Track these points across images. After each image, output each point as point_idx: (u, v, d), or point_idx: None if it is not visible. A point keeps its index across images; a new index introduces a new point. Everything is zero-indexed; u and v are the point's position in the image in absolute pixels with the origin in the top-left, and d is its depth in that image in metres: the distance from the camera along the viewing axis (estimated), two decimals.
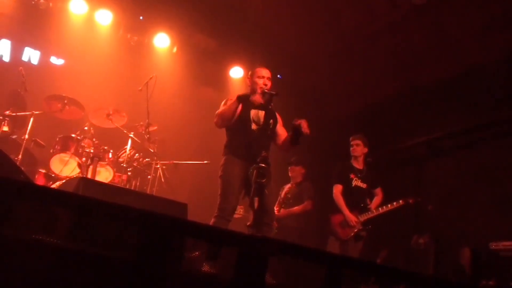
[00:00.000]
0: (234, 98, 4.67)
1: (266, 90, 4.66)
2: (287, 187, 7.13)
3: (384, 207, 6.10)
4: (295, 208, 6.85)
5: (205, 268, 3.89)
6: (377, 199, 6.33)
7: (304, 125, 4.43)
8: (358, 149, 6.35)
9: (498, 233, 6.06)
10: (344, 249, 6.08)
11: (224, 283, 2.39)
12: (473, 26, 6.84)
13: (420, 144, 8.01)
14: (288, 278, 3.49)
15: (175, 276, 2.24)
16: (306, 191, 6.98)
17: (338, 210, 6.18)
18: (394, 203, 6.08)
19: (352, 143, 6.40)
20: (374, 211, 6.10)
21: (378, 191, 6.40)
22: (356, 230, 6.03)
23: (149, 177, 7.15)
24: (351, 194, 6.20)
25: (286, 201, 6.90)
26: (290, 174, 7.15)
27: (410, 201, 6.07)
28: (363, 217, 6.06)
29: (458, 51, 7.18)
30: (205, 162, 7.57)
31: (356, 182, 6.27)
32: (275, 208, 6.90)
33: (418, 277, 2.95)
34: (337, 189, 6.26)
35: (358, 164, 6.36)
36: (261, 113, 4.69)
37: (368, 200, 6.28)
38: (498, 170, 6.73)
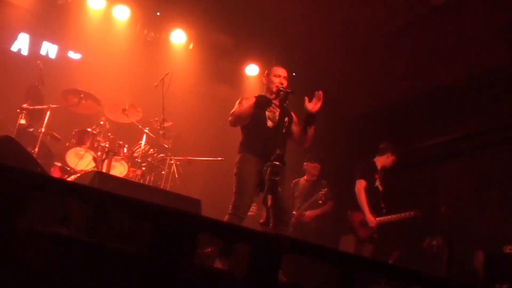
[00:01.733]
0: (252, 101, 4.66)
1: (282, 89, 4.66)
2: (301, 183, 7.09)
3: (398, 214, 6.06)
4: (321, 209, 6.85)
5: (218, 264, 3.90)
6: None
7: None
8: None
9: None
10: (360, 248, 6.07)
11: (237, 280, 2.39)
12: (492, 27, 6.76)
13: (435, 146, 7.95)
14: (300, 277, 3.48)
15: (188, 272, 2.25)
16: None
17: (358, 207, 6.16)
18: (407, 212, 6.05)
19: (387, 149, 6.40)
20: (389, 216, 6.07)
21: None
22: (372, 231, 6.01)
23: (163, 172, 7.18)
24: (372, 194, 6.17)
25: (315, 204, 6.88)
26: (305, 171, 7.12)
27: (420, 215, 6.05)
28: (379, 220, 6.04)
29: (476, 52, 7.11)
30: (219, 159, 7.58)
31: (378, 183, 6.24)
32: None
33: (431, 279, 2.93)
34: (361, 185, 6.19)
35: (379, 166, 6.35)
36: (277, 111, 4.69)
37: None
38: None
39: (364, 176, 6.25)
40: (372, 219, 5.99)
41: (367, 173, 6.28)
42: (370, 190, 6.18)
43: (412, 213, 6.04)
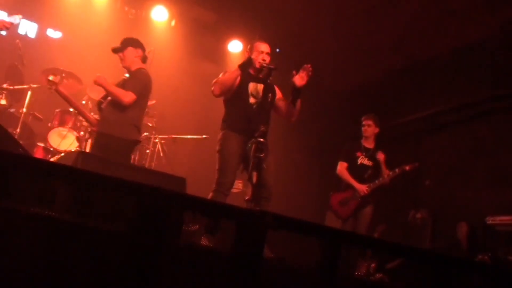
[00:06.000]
0: (235, 67, 4.65)
1: (265, 65, 4.62)
2: None
3: (390, 172, 6.08)
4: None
5: (203, 241, 3.92)
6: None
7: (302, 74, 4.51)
8: (370, 129, 6.30)
9: (495, 207, 6.10)
10: (343, 226, 6.11)
11: (223, 257, 2.40)
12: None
13: (418, 120, 8.00)
14: (286, 251, 3.51)
15: (173, 250, 2.25)
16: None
17: (339, 189, 6.22)
18: (391, 172, 6.07)
19: (363, 123, 6.34)
20: (380, 179, 6.09)
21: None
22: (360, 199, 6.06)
23: (147, 151, 7.16)
24: (355, 171, 6.19)
25: None
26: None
27: (407, 168, 6.07)
28: (371, 185, 6.06)
29: (459, 25, 7.11)
30: (204, 136, 7.56)
31: (362, 160, 6.25)
32: None
33: (415, 251, 2.97)
34: (342, 166, 6.27)
35: (369, 144, 6.33)
36: (260, 87, 4.65)
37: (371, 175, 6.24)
38: (496, 145, 6.74)
39: (343, 158, 6.29)
40: (362, 188, 6.02)
41: (347, 155, 6.30)
42: (353, 169, 6.21)
43: (397, 170, 6.05)
